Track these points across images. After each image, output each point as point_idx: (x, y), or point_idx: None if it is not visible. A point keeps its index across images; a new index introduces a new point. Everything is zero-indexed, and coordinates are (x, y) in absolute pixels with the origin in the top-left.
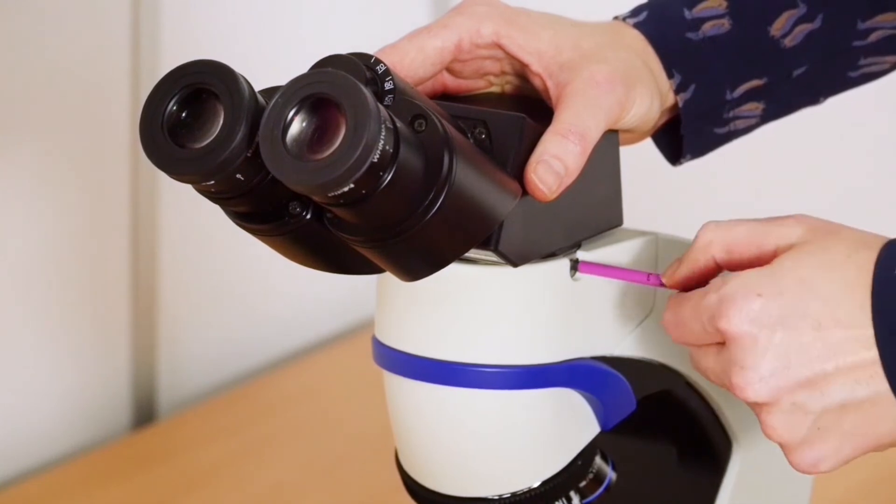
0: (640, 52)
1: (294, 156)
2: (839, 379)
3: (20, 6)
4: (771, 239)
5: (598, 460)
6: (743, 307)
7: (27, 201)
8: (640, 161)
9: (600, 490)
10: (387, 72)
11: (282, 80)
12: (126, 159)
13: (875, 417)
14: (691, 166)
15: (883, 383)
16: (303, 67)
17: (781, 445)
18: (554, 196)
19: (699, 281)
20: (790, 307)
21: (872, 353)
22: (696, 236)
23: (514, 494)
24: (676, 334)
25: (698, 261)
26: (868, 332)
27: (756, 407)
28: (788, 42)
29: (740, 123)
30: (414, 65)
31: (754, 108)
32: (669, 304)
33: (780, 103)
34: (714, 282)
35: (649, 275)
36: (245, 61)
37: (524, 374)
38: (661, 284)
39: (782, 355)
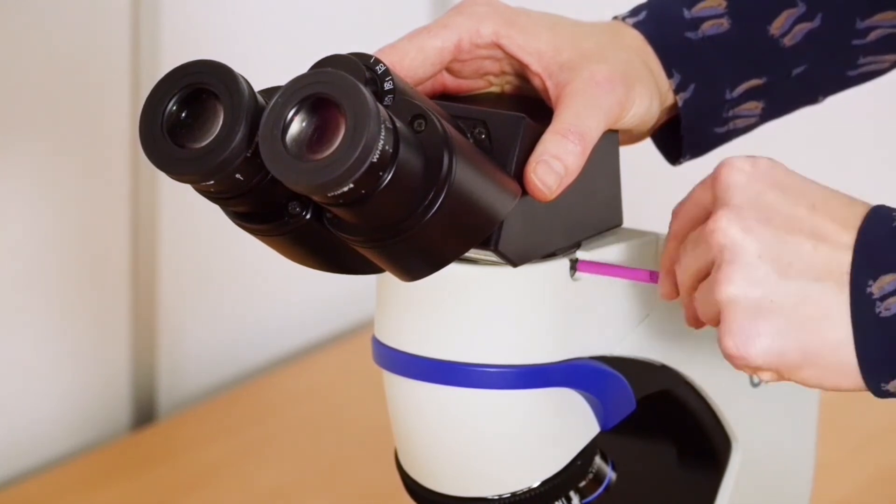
0: (640, 52)
1: (294, 156)
2: (808, 241)
3: (20, 6)
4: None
5: (597, 460)
6: (738, 172)
7: (27, 201)
8: (640, 161)
9: (600, 490)
10: (386, 72)
11: (281, 80)
12: (126, 159)
13: (819, 319)
14: (691, 166)
15: (843, 288)
16: (302, 67)
17: (727, 309)
18: (554, 196)
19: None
20: (788, 182)
21: (846, 258)
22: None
23: (513, 494)
24: (672, 243)
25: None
26: (850, 236)
27: (718, 230)
28: (788, 41)
29: (740, 123)
30: (414, 65)
31: (754, 107)
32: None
33: (779, 102)
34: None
35: (651, 273)
36: (245, 61)
37: (524, 374)
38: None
39: (769, 210)
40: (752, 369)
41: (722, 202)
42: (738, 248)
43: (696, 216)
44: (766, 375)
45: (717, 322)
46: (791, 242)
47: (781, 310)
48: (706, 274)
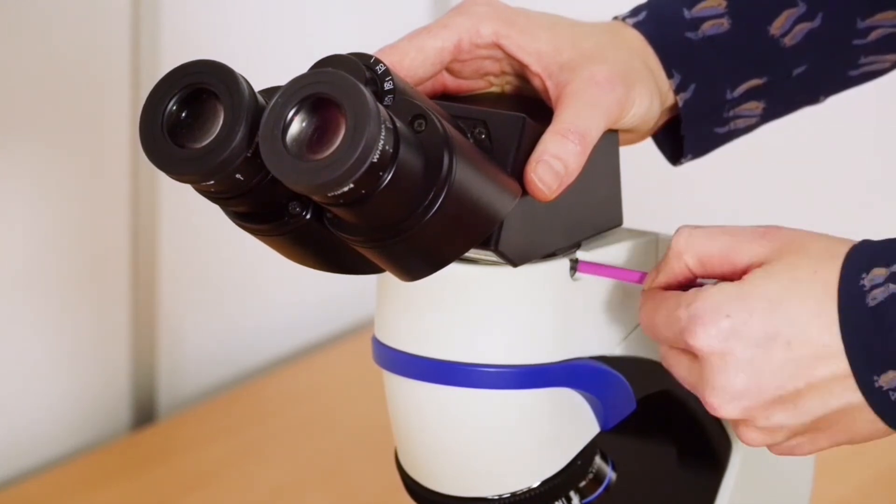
0: (640, 52)
1: (294, 156)
2: (812, 394)
3: (20, 6)
4: (743, 257)
5: (597, 460)
6: (711, 327)
7: (27, 201)
8: (640, 161)
9: (600, 490)
10: (386, 72)
11: (281, 80)
12: (126, 159)
13: (849, 423)
14: (692, 166)
15: (856, 394)
16: (303, 67)
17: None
18: (554, 196)
19: (678, 287)
20: (760, 328)
21: (843, 366)
22: (671, 243)
23: (513, 494)
24: (650, 333)
25: (674, 269)
26: (838, 346)
27: (732, 422)
28: (788, 41)
29: (741, 123)
30: (414, 65)
31: (754, 107)
32: (644, 300)
33: (780, 102)
34: (685, 296)
35: (642, 276)
36: (245, 61)
37: (524, 373)
38: None
39: (753, 375)
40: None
41: (707, 381)
42: (746, 419)
43: (671, 338)
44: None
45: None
46: (785, 394)
47: (805, 439)
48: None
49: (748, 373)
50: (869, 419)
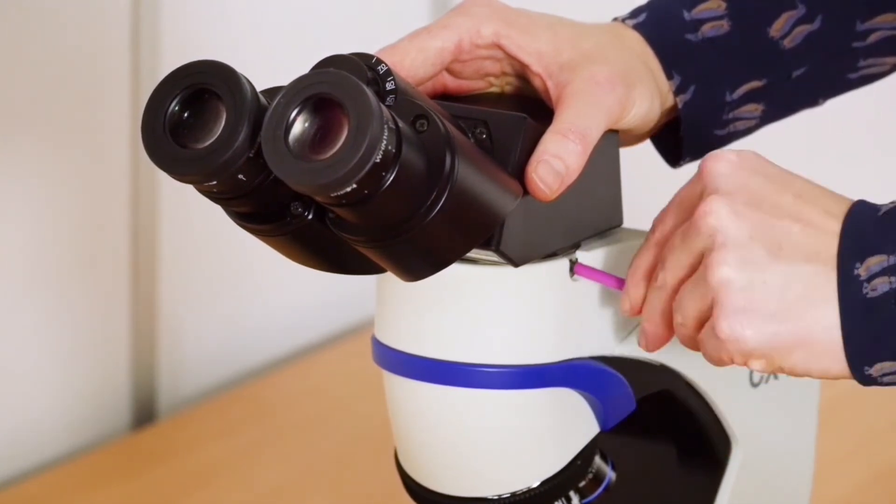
0: (640, 54)
1: (296, 156)
2: (801, 241)
3: (20, 6)
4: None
5: (597, 460)
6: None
7: (27, 201)
8: (640, 161)
9: (600, 490)
10: (388, 72)
11: (283, 80)
12: (126, 159)
13: (815, 301)
14: (692, 167)
15: (833, 273)
16: (304, 68)
17: (721, 292)
18: (555, 195)
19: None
20: (780, 176)
21: (834, 243)
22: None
23: (513, 494)
24: (659, 233)
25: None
26: (837, 227)
27: (720, 242)
28: (788, 43)
29: (740, 125)
30: (414, 65)
31: (754, 109)
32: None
33: (779, 105)
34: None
35: None
36: (246, 61)
37: (524, 373)
38: None
39: (757, 195)
40: (744, 355)
41: (710, 190)
42: (730, 229)
43: (681, 218)
44: (757, 364)
45: (701, 321)
46: (780, 226)
47: (773, 291)
48: (694, 268)
49: (749, 194)
50: (830, 309)
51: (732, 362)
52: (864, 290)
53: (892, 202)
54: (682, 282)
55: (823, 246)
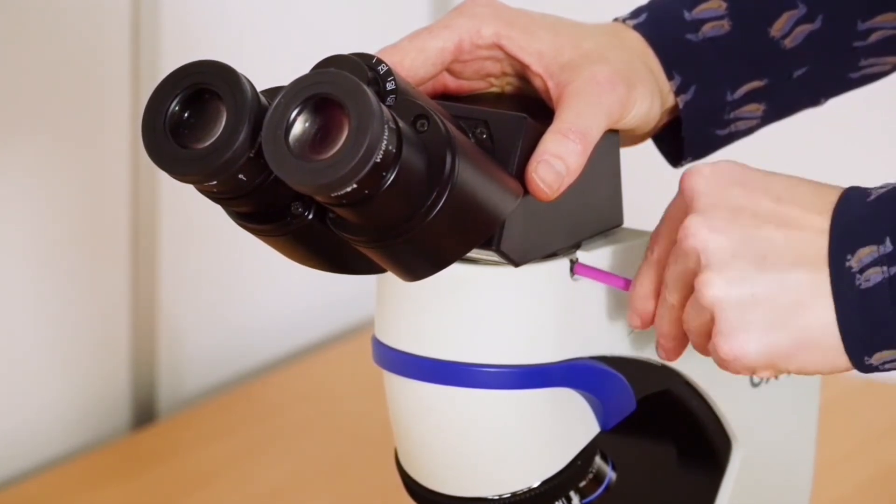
0: (641, 54)
1: (297, 156)
2: (785, 247)
3: (20, 6)
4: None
5: (597, 460)
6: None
7: (26, 201)
8: (641, 161)
9: (600, 490)
10: (389, 72)
11: (284, 80)
12: (126, 159)
13: (807, 304)
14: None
15: (823, 272)
16: (304, 68)
17: (715, 314)
18: (555, 195)
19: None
20: (757, 181)
21: (821, 241)
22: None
23: (513, 494)
24: (654, 240)
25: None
26: (824, 223)
27: (704, 264)
28: (788, 43)
29: (741, 125)
30: (415, 65)
31: (755, 109)
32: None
33: (780, 104)
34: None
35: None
36: (246, 61)
37: (524, 373)
38: None
39: (735, 208)
40: (749, 369)
41: (690, 209)
42: (711, 249)
43: (672, 237)
44: (764, 373)
45: (708, 335)
46: (761, 236)
47: (765, 302)
48: (692, 287)
49: (729, 205)
50: (824, 308)
51: (739, 373)
52: (858, 282)
53: (883, 185)
54: (686, 298)
55: (810, 246)
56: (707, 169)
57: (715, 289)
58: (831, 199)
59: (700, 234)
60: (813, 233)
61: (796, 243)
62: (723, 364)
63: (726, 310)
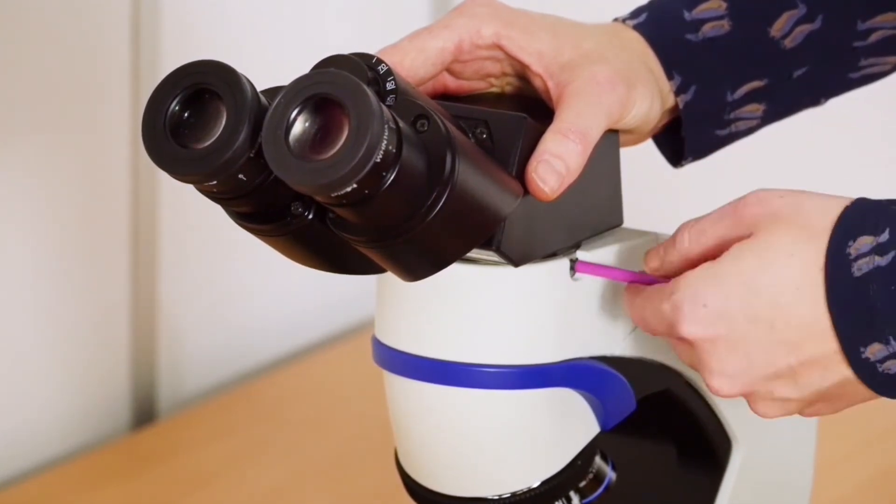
0: (641, 54)
1: (297, 156)
2: (808, 370)
3: (20, 6)
4: (709, 237)
5: (597, 460)
6: (692, 317)
7: (26, 201)
8: (641, 161)
9: (600, 490)
10: (389, 72)
11: (284, 80)
12: (126, 159)
13: (853, 393)
14: (693, 166)
15: (848, 368)
16: (304, 67)
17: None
18: (555, 195)
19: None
20: (740, 312)
21: (832, 344)
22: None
23: (513, 494)
24: (644, 329)
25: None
26: (824, 325)
27: (744, 397)
28: (788, 43)
29: (741, 125)
30: (415, 65)
31: (755, 109)
32: (628, 298)
33: (780, 104)
34: (665, 289)
35: (643, 275)
36: (246, 61)
37: (524, 374)
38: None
39: (745, 355)
40: (788, 412)
41: (703, 365)
42: (750, 393)
43: (664, 331)
44: (795, 408)
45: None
46: (778, 370)
47: (818, 406)
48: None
49: (739, 352)
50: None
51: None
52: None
53: (859, 264)
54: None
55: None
56: (706, 319)
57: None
58: (818, 299)
59: (717, 381)
60: (822, 342)
61: (814, 383)
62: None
63: (757, 402)
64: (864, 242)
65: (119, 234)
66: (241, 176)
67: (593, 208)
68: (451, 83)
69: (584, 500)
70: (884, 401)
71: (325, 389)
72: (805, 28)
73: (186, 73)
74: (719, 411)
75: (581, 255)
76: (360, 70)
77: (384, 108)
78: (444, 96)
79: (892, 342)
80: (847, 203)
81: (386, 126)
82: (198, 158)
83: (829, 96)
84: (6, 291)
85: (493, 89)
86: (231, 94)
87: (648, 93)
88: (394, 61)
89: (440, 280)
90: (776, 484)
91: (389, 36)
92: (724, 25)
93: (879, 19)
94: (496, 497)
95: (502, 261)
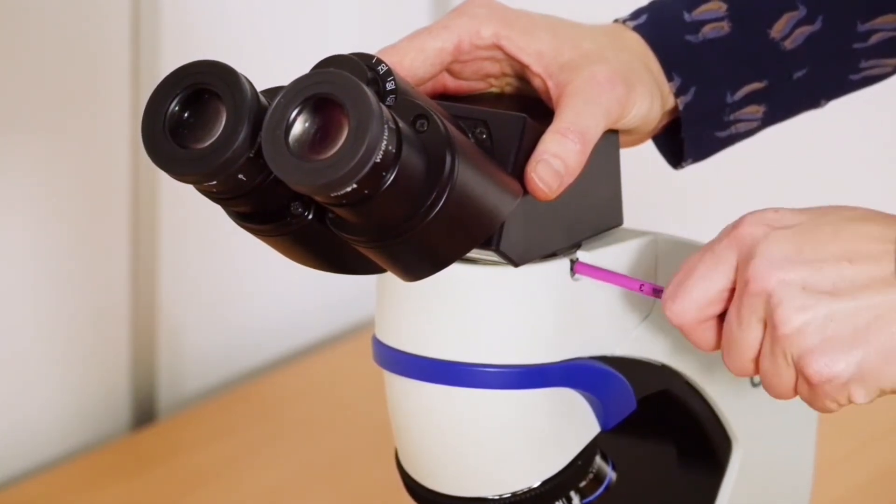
0: (640, 55)
1: (296, 156)
2: (854, 276)
3: (20, 6)
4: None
5: (598, 460)
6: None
7: (26, 201)
8: (640, 161)
9: (600, 490)
10: (388, 72)
11: (283, 80)
12: (126, 159)
13: (888, 318)
14: (693, 168)
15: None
16: (304, 68)
17: (798, 345)
18: (555, 195)
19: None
20: (810, 223)
21: (889, 264)
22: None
23: (514, 494)
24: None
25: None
26: (889, 247)
27: (770, 301)
28: (788, 44)
29: (741, 127)
30: (414, 65)
31: (755, 111)
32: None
33: (780, 106)
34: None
35: (642, 284)
36: (246, 61)
37: (524, 373)
38: (653, 294)
39: (792, 248)
40: (844, 389)
41: (748, 257)
42: (782, 287)
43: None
44: (860, 393)
45: (794, 387)
46: (827, 269)
47: (843, 322)
48: (762, 339)
49: (788, 250)
50: None
51: (839, 405)
52: None
53: None
54: (757, 355)
55: (878, 272)
56: (762, 217)
57: (792, 323)
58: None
59: (770, 276)
60: (879, 259)
61: (865, 272)
62: (819, 398)
63: (807, 336)
64: None
65: (119, 234)
66: (240, 176)
67: (593, 208)
68: (451, 83)
69: (585, 500)
70: (884, 401)
71: (325, 389)
72: (805, 30)
73: (186, 74)
74: (719, 411)
75: (581, 255)
76: (360, 70)
77: (384, 108)
78: (443, 96)
79: None
80: None
81: (386, 126)
82: (197, 158)
83: (829, 98)
84: (6, 291)
85: (493, 89)
86: (231, 95)
87: (648, 93)
88: (393, 61)
89: (440, 280)
90: (776, 484)
91: (389, 36)
92: (724, 27)
93: (880, 21)
94: (496, 497)
95: (502, 261)
